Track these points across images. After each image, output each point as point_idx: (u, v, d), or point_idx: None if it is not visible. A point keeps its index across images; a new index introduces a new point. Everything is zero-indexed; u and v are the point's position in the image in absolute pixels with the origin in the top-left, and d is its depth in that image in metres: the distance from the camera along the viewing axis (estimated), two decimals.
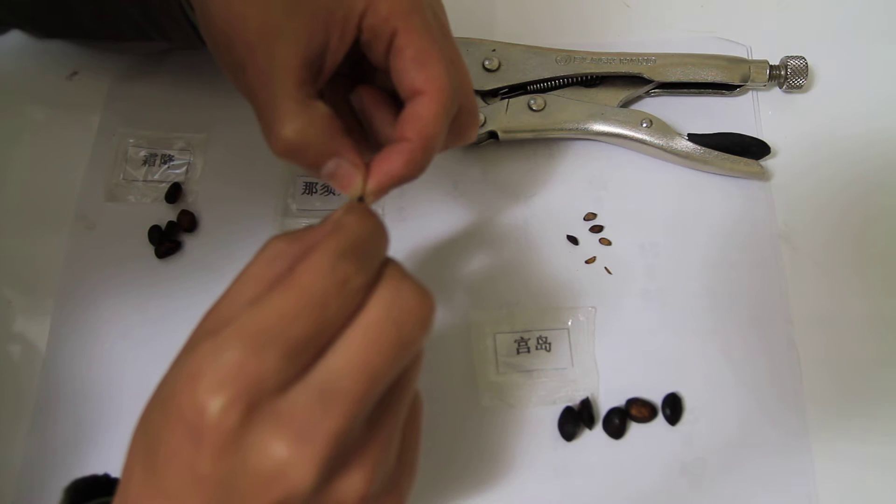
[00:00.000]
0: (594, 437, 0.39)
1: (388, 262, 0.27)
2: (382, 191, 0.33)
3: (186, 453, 0.23)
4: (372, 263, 0.26)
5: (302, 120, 0.31)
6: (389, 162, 0.32)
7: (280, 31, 0.31)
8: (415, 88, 0.32)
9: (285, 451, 0.23)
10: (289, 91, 0.31)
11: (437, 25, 0.33)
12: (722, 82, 0.46)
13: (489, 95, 0.46)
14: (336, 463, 0.24)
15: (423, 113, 0.32)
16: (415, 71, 0.32)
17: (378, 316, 0.25)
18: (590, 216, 0.44)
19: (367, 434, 0.25)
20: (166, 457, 0.24)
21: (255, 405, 0.23)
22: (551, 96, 0.45)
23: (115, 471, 0.27)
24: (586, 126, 0.45)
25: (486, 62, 0.45)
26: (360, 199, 0.33)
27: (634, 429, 0.39)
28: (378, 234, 0.27)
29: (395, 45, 0.32)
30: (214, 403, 0.23)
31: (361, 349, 0.24)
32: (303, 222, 0.44)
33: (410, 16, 0.32)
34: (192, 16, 0.38)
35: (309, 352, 0.24)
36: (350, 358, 0.24)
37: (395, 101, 0.36)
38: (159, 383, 0.26)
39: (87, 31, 0.43)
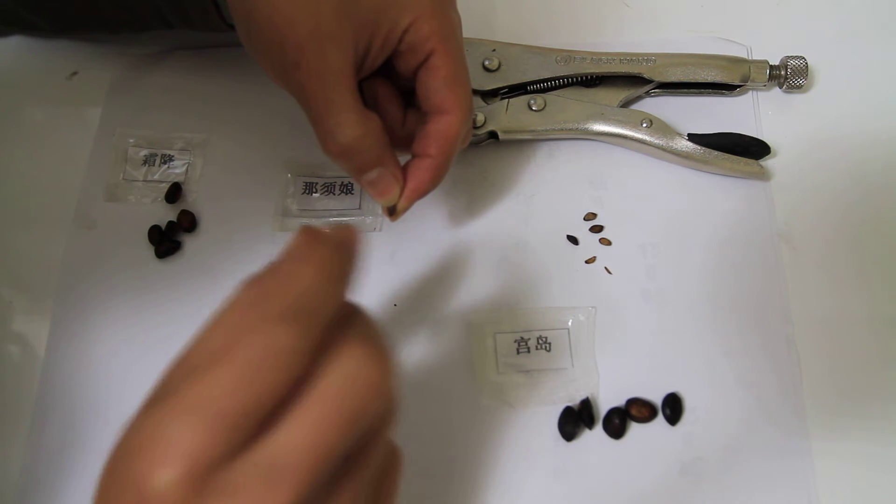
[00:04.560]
0: (594, 437, 0.39)
1: (352, 314, 0.25)
2: (411, 203, 0.37)
3: None
4: (317, 322, 0.24)
5: (361, 129, 0.34)
6: (417, 177, 0.36)
7: (331, 35, 0.33)
8: (442, 107, 0.36)
9: None
10: (346, 98, 0.34)
11: (461, 48, 0.36)
12: (722, 82, 0.45)
13: (489, 95, 0.46)
14: None
15: (447, 132, 0.36)
16: (445, 91, 0.35)
17: (329, 388, 0.23)
18: (590, 216, 0.44)
19: (329, 496, 0.24)
20: None
21: (201, 479, 0.22)
22: (551, 96, 0.45)
23: None
24: (586, 126, 0.45)
25: (486, 62, 0.45)
26: (392, 210, 0.37)
27: (634, 429, 0.39)
28: (327, 282, 0.25)
29: (430, 64, 0.35)
30: (160, 478, 0.22)
31: (310, 424, 0.23)
32: (303, 222, 0.44)
33: (448, 40, 0.35)
34: (220, 1, 0.38)
35: (250, 422, 0.23)
36: (298, 433, 0.23)
37: (403, 97, 0.39)
38: (110, 453, 0.25)
39: (104, 21, 0.42)
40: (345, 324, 0.25)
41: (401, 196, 0.36)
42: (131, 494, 0.22)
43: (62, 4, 0.43)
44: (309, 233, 0.26)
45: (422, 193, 0.37)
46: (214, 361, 0.23)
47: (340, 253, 0.26)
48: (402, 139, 0.38)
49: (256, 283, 0.26)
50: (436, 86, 0.35)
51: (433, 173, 0.36)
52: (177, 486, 0.22)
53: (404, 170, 0.37)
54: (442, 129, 0.36)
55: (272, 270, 0.26)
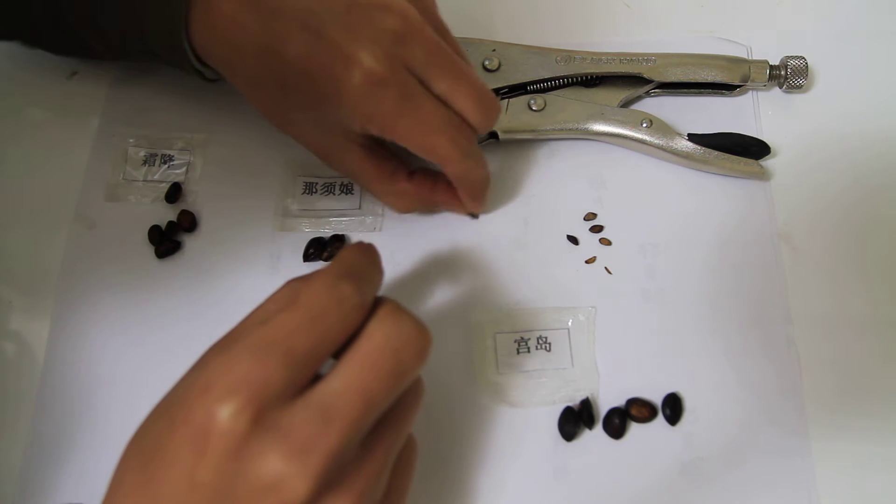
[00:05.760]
0: (594, 437, 0.39)
1: (383, 298, 0.29)
2: (483, 201, 0.42)
3: (187, 461, 0.24)
4: (367, 288, 0.28)
5: (402, 203, 0.42)
6: (473, 198, 0.42)
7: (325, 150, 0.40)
8: (438, 163, 0.38)
9: (283, 464, 0.23)
10: (375, 185, 0.41)
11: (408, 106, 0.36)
12: (722, 82, 0.46)
13: None
14: (329, 482, 0.24)
15: (456, 179, 0.39)
16: (424, 156, 0.37)
17: (378, 342, 0.26)
18: (590, 216, 0.44)
19: (359, 460, 0.26)
20: (165, 465, 0.24)
21: (261, 414, 0.24)
22: (551, 96, 0.45)
23: (109, 471, 0.27)
24: (586, 126, 0.45)
25: (486, 62, 0.45)
26: (473, 215, 0.44)
27: (634, 429, 0.39)
28: (372, 264, 0.30)
29: (401, 144, 0.37)
30: (225, 410, 0.24)
31: (360, 372, 0.25)
32: (303, 222, 0.44)
33: (397, 123, 0.35)
34: (196, 64, 0.39)
35: (310, 365, 0.25)
36: (349, 380, 0.25)
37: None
38: (163, 399, 0.27)
39: (93, 52, 0.43)
40: (380, 301, 0.28)
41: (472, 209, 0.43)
42: (192, 426, 0.24)
43: (52, 36, 0.43)
44: (365, 244, 0.31)
45: (481, 199, 0.42)
46: (281, 309, 0.26)
47: (377, 258, 0.31)
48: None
49: (303, 276, 0.29)
50: (415, 154, 0.37)
51: (472, 203, 0.42)
52: (239, 418, 0.24)
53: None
54: (449, 176, 0.39)
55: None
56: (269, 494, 0.24)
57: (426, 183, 0.42)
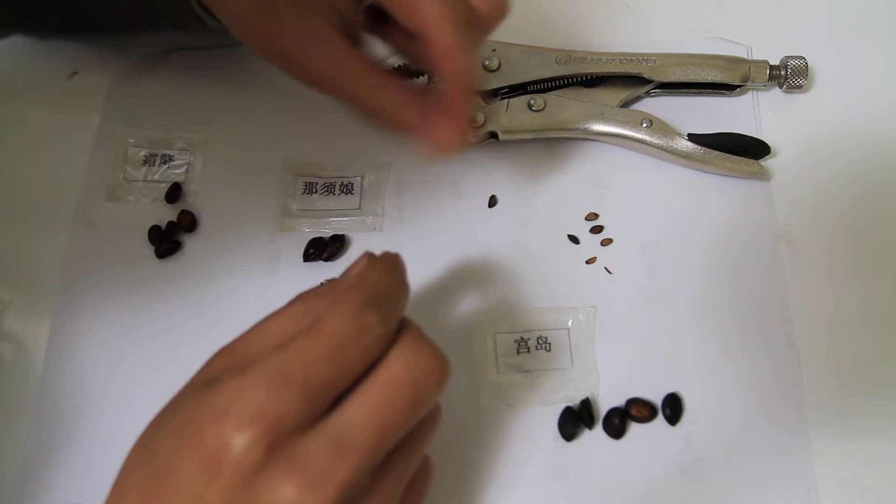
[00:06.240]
0: (594, 437, 0.39)
1: (406, 321, 0.28)
2: (462, 134, 0.35)
3: (197, 485, 0.24)
4: (392, 316, 0.27)
5: (388, 102, 0.34)
6: (450, 112, 0.34)
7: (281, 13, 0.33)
8: (421, 28, 0.33)
9: (297, 494, 0.23)
10: (358, 81, 0.34)
11: None
12: (722, 82, 0.46)
13: (489, 95, 0.46)
14: None
15: (439, 52, 0.33)
16: (409, 16, 0.33)
17: (397, 373, 0.26)
18: (591, 216, 0.44)
19: (369, 490, 0.26)
20: (172, 485, 0.24)
21: (276, 444, 0.23)
22: (551, 96, 0.45)
23: (109, 472, 0.27)
24: (586, 126, 0.45)
25: (486, 62, 0.45)
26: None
27: (634, 429, 0.39)
28: (399, 288, 0.29)
29: None
30: (240, 440, 0.23)
31: (377, 404, 0.25)
32: (303, 222, 0.44)
33: None
34: (197, 8, 0.39)
35: (328, 396, 0.25)
36: (366, 411, 0.25)
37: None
38: (169, 411, 0.26)
39: (95, 25, 0.43)
40: (403, 327, 0.27)
41: (452, 136, 0.35)
42: (204, 452, 0.24)
43: (55, 10, 0.43)
44: (391, 256, 0.30)
45: (462, 122, 0.35)
46: (301, 332, 0.25)
47: (404, 275, 0.30)
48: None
49: (333, 281, 0.29)
50: (400, 13, 0.33)
51: (457, 98, 0.35)
52: (254, 448, 0.23)
53: (444, 112, 0.35)
54: (433, 50, 0.33)
55: (352, 273, 0.29)
56: None
57: (410, 86, 0.36)
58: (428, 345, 0.27)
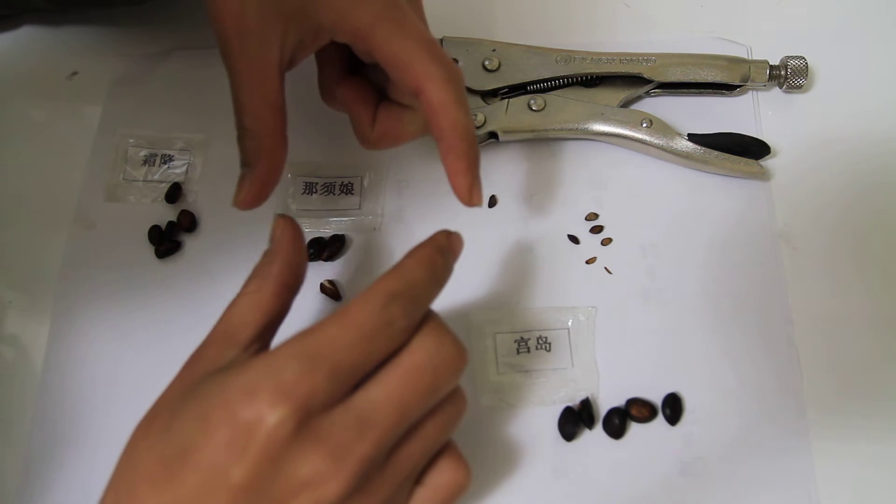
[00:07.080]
0: (594, 437, 0.39)
1: (429, 312, 0.29)
2: (476, 179, 0.35)
3: (222, 462, 0.24)
4: (418, 309, 0.28)
5: (251, 121, 0.34)
6: (454, 166, 0.34)
7: (254, 30, 0.32)
8: (416, 86, 0.33)
9: (322, 464, 0.25)
10: (258, 89, 0.33)
11: (408, 13, 0.33)
12: (722, 82, 0.46)
13: (489, 95, 0.46)
14: (359, 486, 0.26)
15: (436, 109, 0.33)
16: (404, 75, 0.33)
17: (420, 359, 0.27)
18: (591, 216, 0.44)
19: (385, 466, 0.27)
20: (192, 464, 0.25)
21: (305, 421, 0.25)
22: (551, 96, 0.45)
23: (110, 472, 0.27)
24: (586, 126, 0.45)
25: (486, 62, 0.45)
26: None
27: (634, 429, 0.39)
28: (431, 282, 0.30)
29: (377, 57, 0.33)
30: (274, 415, 0.24)
31: (399, 386, 0.27)
32: (303, 222, 0.44)
33: (374, 28, 0.33)
34: None
35: (352, 379, 0.26)
36: (388, 391, 0.27)
37: (379, 94, 0.37)
38: (168, 403, 0.27)
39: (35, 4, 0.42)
40: (426, 317, 0.29)
41: (249, 195, 0.35)
42: (232, 427, 0.25)
43: None
44: (440, 242, 0.31)
45: (471, 175, 0.35)
46: (328, 321, 0.27)
47: (448, 260, 0.31)
48: (374, 140, 0.37)
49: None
50: (393, 74, 0.34)
51: (459, 157, 0.34)
52: (285, 423, 0.24)
53: (450, 162, 0.35)
54: (429, 108, 0.33)
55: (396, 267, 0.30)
56: (306, 491, 0.25)
57: (359, 133, 0.37)
58: (448, 334, 0.29)
